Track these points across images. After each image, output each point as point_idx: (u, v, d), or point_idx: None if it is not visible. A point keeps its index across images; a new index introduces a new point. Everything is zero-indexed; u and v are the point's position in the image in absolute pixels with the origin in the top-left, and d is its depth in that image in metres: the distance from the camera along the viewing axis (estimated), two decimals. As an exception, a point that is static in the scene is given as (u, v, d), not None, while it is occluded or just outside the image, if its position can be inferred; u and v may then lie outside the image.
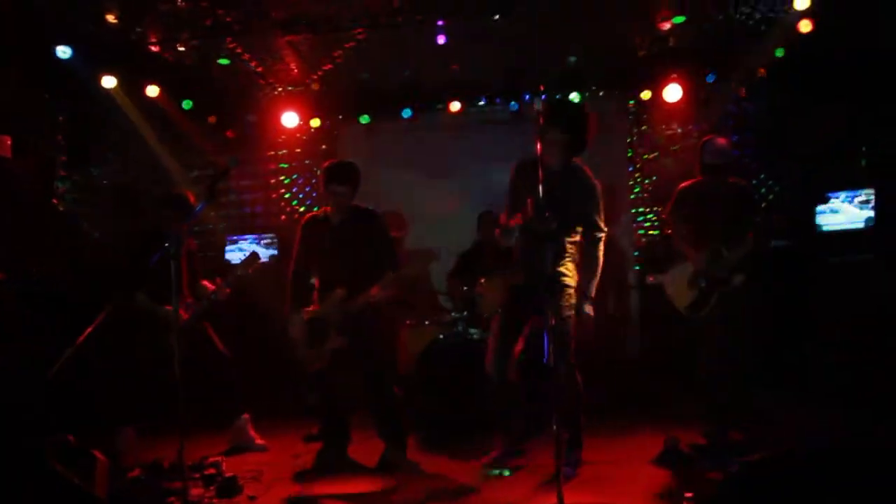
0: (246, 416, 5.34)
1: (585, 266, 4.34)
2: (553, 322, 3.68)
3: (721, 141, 4.88)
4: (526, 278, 4.33)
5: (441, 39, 6.03)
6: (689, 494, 3.49)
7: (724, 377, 4.73)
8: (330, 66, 6.49)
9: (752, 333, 4.89)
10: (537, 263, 4.00)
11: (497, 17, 5.77)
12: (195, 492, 4.04)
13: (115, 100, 6.25)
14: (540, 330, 4.02)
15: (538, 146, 3.38)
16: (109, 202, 6.94)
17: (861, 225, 6.26)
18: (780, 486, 2.38)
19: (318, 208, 5.04)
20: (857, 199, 6.30)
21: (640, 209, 7.41)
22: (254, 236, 7.24)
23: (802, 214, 6.43)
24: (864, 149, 6.61)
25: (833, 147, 6.58)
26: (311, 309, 4.80)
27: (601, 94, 7.12)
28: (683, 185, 5.00)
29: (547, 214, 3.61)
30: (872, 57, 6.11)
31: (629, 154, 7.43)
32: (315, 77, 6.82)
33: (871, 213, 6.19)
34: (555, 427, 3.08)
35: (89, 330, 3.74)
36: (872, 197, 6.20)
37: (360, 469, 4.71)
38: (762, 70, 6.53)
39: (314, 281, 4.92)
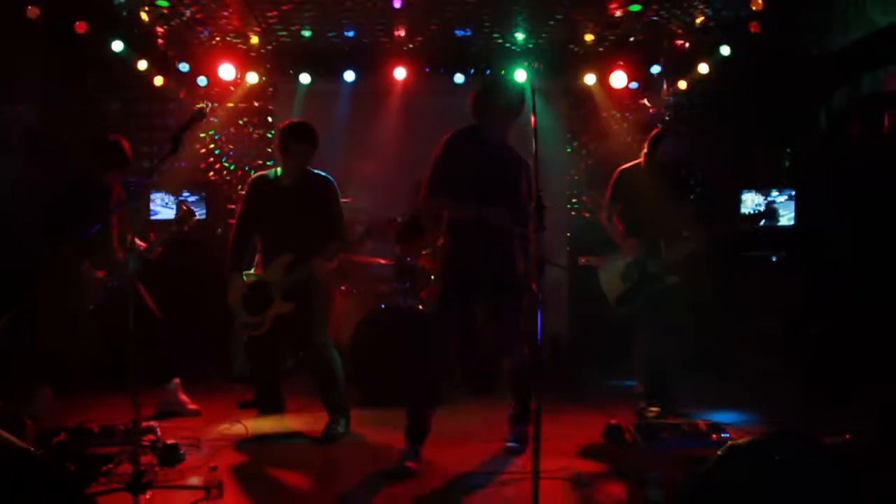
0: (177, 379, 5.10)
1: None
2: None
3: (677, 140, 4.96)
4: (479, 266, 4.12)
5: (397, 3, 5.86)
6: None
7: (654, 365, 4.90)
8: (276, 15, 6.16)
9: (680, 327, 4.99)
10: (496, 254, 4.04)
11: None
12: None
13: (36, 30, 5.72)
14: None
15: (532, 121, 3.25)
16: (22, 145, 6.39)
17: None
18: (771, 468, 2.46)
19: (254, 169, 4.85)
20: (779, 199, 6.61)
21: (575, 191, 7.50)
22: (183, 194, 6.86)
23: (726, 208, 6.68)
24: (787, 150, 6.93)
25: (761, 146, 6.88)
26: (254, 272, 4.63)
27: (545, 74, 7.14)
28: (623, 167, 5.08)
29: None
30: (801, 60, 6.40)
31: (568, 136, 7.49)
32: (257, 29, 6.49)
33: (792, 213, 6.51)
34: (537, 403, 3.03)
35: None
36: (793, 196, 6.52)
37: (302, 438, 4.59)
38: (707, 66, 6.72)
39: (257, 243, 4.74)
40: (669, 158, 4.90)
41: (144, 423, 4.35)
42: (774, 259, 6.39)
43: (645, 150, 5.02)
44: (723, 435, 3.89)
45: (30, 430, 3.83)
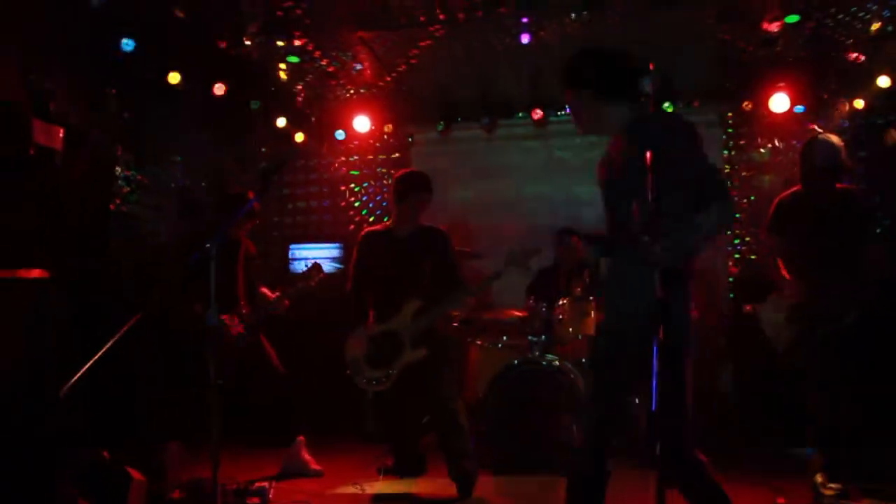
0: (301, 438, 4.94)
1: None
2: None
3: (833, 138, 4.19)
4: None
5: (525, 38, 5.56)
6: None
7: (835, 426, 4.10)
8: (404, 66, 6.10)
9: (862, 378, 4.18)
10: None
11: (585, 12, 5.29)
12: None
13: (179, 97, 5.98)
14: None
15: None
16: (173, 204, 6.69)
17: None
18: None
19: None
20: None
21: (736, 231, 6.73)
22: (320, 245, 6.88)
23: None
24: None
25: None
26: (377, 324, 4.40)
27: (695, 104, 6.53)
28: (782, 195, 4.38)
29: None
30: None
31: (725, 170, 6.78)
32: (389, 79, 6.43)
33: None
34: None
35: (115, 338, 3.38)
36: None
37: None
38: (888, 79, 5.81)
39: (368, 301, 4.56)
40: (829, 161, 4.12)
41: (258, 484, 4.21)
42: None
43: (800, 170, 4.30)
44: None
45: (140, 486, 3.75)
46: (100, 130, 5.31)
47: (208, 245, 3.25)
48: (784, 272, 4.26)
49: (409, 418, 4.67)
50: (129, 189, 6.20)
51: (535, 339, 5.27)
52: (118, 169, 5.89)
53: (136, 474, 3.76)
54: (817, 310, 4.07)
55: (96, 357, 3.33)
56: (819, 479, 4.11)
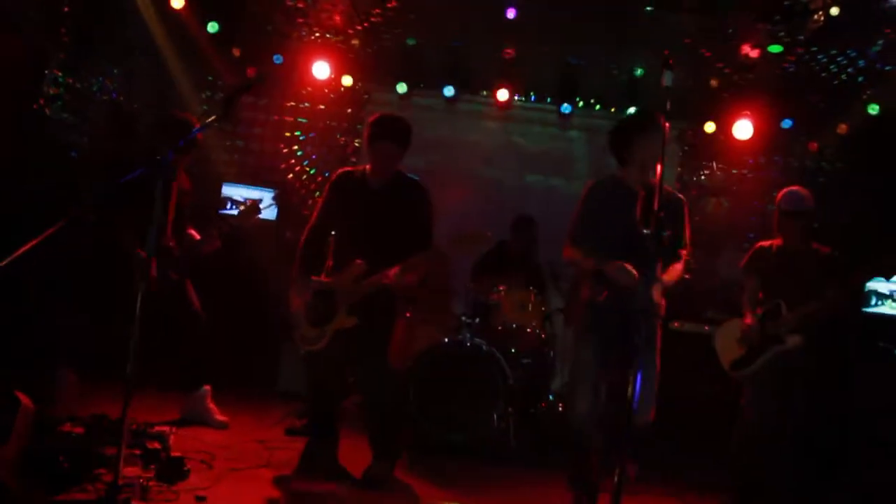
0: (207, 387, 4.61)
1: None
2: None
3: (802, 190, 4.33)
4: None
5: (511, 13, 5.37)
6: None
7: (761, 448, 4.15)
8: (379, 17, 5.79)
9: (801, 405, 4.24)
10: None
11: None
12: (129, 470, 3.26)
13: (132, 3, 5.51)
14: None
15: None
16: (103, 118, 6.18)
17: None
18: None
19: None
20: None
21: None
22: (254, 188, 6.48)
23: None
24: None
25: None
26: (321, 279, 4.07)
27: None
28: (763, 243, 4.49)
29: None
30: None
31: (677, 186, 6.79)
32: (359, 28, 6.11)
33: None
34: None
35: (32, 244, 2.97)
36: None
37: (339, 478, 3.95)
38: (844, 127, 5.93)
39: (328, 248, 4.17)
40: (794, 206, 4.23)
41: (158, 428, 3.88)
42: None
43: (776, 218, 4.36)
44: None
45: (27, 412, 3.37)
46: (35, 19, 4.80)
47: (151, 167, 2.86)
48: (749, 304, 4.35)
49: (333, 382, 4.32)
50: (56, 91, 5.69)
51: (468, 320, 5.11)
52: (48, 70, 5.39)
53: (24, 399, 3.38)
54: (766, 331, 4.18)
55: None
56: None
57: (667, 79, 2.75)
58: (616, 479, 2.73)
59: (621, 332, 3.23)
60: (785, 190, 4.42)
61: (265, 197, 5.05)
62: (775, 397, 4.15)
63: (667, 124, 2.93)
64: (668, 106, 2.80)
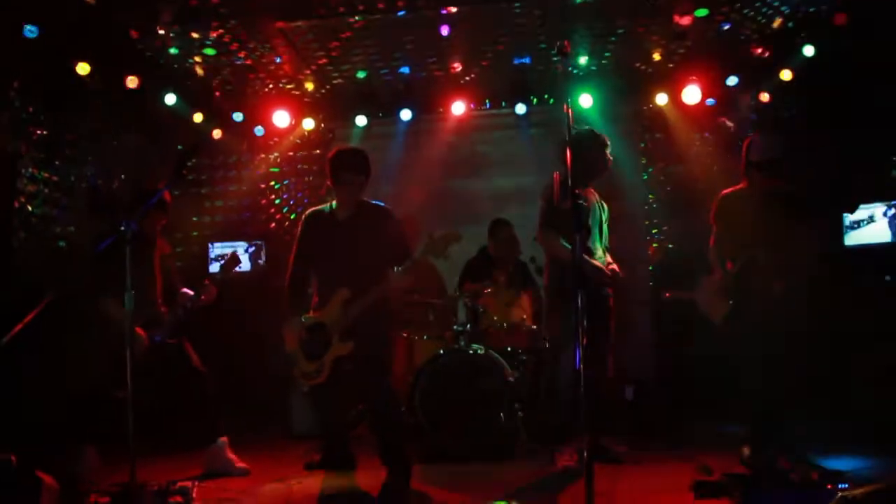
0: (224, 438, 4.78)
1: None
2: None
3: (769, 136, 4.43)
4: None
5: (444, 30, 5.58)
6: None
7: (769, 395, 4.26)
8: (325, 59, 6.02)
9: (797, 346, 4.35)
10: None
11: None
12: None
13: (89, 91, 5.74)
14: None
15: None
16: (84, 203, 6.41)
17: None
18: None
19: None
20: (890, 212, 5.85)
21: (655, 220, 6.92)
22: (240, 242, 6.69)
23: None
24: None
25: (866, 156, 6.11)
26: (311, 315, 4.26)
27: (613, 97, 6.70)
28: (725, 191, 4.56)
29: None
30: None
31: (643, 162, 6.97)
32: (308, 72, 6.35)
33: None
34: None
35: (17, 328, 3.16)
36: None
37: (365, 499, 4.10)
38: (788, 73, 6.09)
39: (313, 285, 4.39)
40: (768, 154, 4.32)
41: (180, 484, 4.05)
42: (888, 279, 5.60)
43: (742, 166, 4.49)
44: (840, 486, 3.22)
45: (52, 491, 3.56)
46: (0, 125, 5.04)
47: (122, 229, 3.06)
48: (723, 259, 4.47)
49: (341, 411, 4.51)
50: (35, 188, 5.92)
51: (460, 328, 5.28)
52: (24, 168, 5.62)
53: (47, 479, 3.57)
54: (753, 284, 4.26)
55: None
56: (746, 451, 4.27)
57: (563, 65, 2.92)
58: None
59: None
60: (748, 139, 4.52)
61: (239, 248, 5.25)
62: (768, 348, 4.23)
63: (569, 111, 3.01)
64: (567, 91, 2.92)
